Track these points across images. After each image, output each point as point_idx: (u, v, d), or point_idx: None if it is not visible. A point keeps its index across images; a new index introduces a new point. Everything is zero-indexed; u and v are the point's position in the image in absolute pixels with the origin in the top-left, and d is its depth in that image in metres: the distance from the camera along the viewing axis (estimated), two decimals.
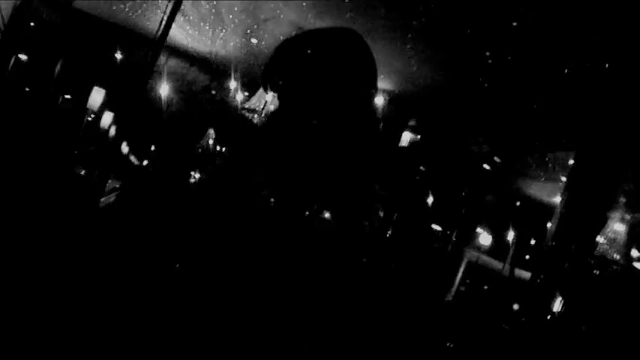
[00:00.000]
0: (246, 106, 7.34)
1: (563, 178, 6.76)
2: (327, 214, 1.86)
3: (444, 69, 6.71)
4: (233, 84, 7.75)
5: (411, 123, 7.97)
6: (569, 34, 4.93)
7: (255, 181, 1.89)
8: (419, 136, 7.89)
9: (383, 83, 7.47)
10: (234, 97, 8.04)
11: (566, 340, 5.67)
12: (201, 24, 7.74)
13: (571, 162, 6.67)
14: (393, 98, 7.65)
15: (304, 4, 6.15)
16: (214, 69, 9.63)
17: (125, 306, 1.85)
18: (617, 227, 6.35)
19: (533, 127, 7.11)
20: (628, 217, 6.32)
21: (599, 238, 6.41)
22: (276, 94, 1.98)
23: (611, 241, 6.37)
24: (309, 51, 1.94)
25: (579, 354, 5.42)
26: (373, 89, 2.00)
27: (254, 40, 7.65)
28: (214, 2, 6.85)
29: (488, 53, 5.81)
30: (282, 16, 6.59)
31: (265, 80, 2.01)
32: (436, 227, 7.80)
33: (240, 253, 1.81)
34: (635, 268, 6.08)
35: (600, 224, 6.43)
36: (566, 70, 5.52)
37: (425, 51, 6.41)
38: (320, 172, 1.90)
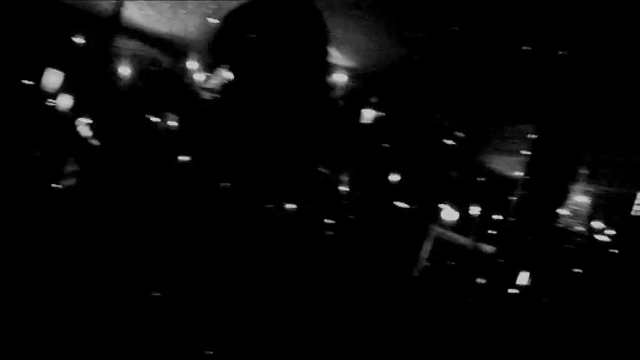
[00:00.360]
0: (205, 86, 7.25)
1: (527, 152, 6.80)
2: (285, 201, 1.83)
3: (405, 44, 6.68)
4: (193, 64, 7.64)
5: (373, 100, 7.95)
6: (530, 7, 4.93)
7: (203, 156, 1.85)
8: (381, 113, 7.88)
9: (344, 60, 7.44)
10: (194, 78, 7.95)
11: (531, 312, 5.73)
12: (160, 4, 7.63)
13: (533, 135, 6.72)
14: (354, 75, 7.63)
15: None
16: (174, 50, 9.52)
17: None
18: (580, 199, 6.40)
19: (495, 101, 7.13)
20: (591, 188, 6.37)
21: (562, 211, 6.47)
22: (227, 67, 1.93)
23: (574, 214, 6.42)
24: (258, 18, 1.89)
25: (544, 325, 5.48)
26: (326, 56, 1.97)
27: (214, 21, 7.55)
28: None
29: (449, 28, 5.80)
30: None
31: (214, 51, 1.96)
32: (400, 204, 7.80)
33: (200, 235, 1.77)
34: (598, 240, 6.14)
35: (562, 196, 6.48)
36: (525, 46, 5.53)
37: (385, 27, 6.39)
38: (271, 148, 1.87)
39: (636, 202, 6.00)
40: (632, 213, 5.94)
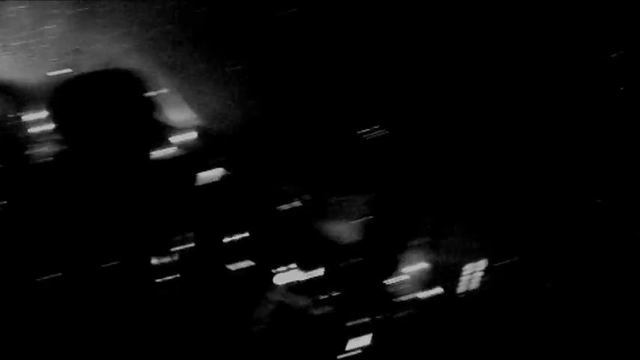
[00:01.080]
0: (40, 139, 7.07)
1: (365, 218, 7.01)
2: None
3: (253, 108, 6.79)
4: (44, 114, 7.41)
5: (218, 160, 7.97)
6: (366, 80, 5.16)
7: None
8: (226, 173, 7.91)
9: (193, 119, 7.45)
10: (26, 128, 7.70)
11: None
12: (20, 49, 7.34)
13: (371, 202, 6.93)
14: (201, 134, 7.64)
15: (118, 35, 6.08)
16: (22, 99, 9.12)
17: None
18: (416, 267, 6.65)
19: (335, 168, 7.32)
20: (429, 256, 6.64)
21: (393, 278, 6.68)
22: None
23: (408, 281, 6.65)
24: (84, 93, 1.98)
25: None
26: (153, 120, 2.06)
27: (54, 73, 7.37)
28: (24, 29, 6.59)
29: (296, 96, 5.97)
30: (95, 46, 6.44)
31: (52, 111, 2.02)
32: (239, 265, 7.84)
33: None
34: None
35: (396, 263, 6.71)
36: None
37: (236, 90, 6.49)
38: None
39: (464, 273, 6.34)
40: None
